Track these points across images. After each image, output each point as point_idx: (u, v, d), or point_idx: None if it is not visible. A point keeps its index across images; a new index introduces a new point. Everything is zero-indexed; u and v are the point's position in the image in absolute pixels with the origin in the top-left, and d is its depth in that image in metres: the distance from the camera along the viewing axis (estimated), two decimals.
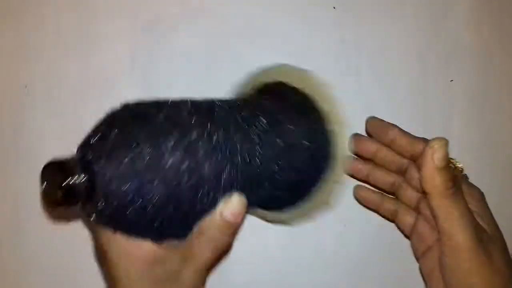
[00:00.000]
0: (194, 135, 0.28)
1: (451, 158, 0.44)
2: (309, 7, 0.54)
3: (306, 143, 0.38)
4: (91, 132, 0.28)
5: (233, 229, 0.36)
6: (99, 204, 0.26)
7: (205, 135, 0.28)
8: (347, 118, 0.49)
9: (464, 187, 0.42)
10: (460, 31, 0.55)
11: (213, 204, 0.32)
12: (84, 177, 0.26)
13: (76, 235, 0.52)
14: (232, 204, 0.35)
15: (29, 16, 0.54)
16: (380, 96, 0.54)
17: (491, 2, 0.55)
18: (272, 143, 0.34)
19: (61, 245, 0.52)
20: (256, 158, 0.32)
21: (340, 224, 0.52)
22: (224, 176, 0.30)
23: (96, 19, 0.54)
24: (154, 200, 0.27)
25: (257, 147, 0.33)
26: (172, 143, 0.27)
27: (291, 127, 0.36)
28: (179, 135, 0.27)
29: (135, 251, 0.34)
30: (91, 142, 0.27)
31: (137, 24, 0.54)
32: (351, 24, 0.54)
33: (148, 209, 0.27)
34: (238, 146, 0.31)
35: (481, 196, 0.44)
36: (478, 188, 0.45)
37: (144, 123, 0.27)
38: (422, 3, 0.55)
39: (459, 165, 0.45)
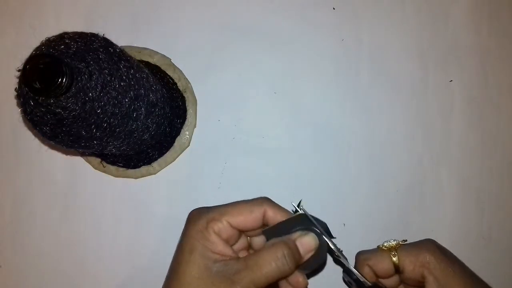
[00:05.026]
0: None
1: (381, 244, 0.43)
2: (309, 7, 0.54)
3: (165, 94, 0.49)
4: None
5: (297, 259, 0.38)
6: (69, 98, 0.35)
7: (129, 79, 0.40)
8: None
9: (412, 259, 0.41)
10: (460, 31, 0.55)
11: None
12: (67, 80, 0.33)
13: (75, 235, 0.52)
14: (308, 238, 0.39)
15: (29, 16, 0.54)
16: (380, 96, 0.54)
17: (491, 2, 0.55)
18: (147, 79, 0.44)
19: (60, 245, 0.52)
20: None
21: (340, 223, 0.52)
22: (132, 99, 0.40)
23: (95, 19, 0.54)
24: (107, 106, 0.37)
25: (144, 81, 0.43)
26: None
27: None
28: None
29: (207, 243, 0.38)
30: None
31: (137, 24, 0.54)
32: (351, 24, 0.54)
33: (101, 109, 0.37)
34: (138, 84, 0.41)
35: (430, 253, 0.41)
36: (425, 243, 0.42)
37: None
38: (422, 4, 0.55)
39: (388, 244, 0.43)
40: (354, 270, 0.41)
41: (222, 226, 0.39)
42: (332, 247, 0.40)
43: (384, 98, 0.54)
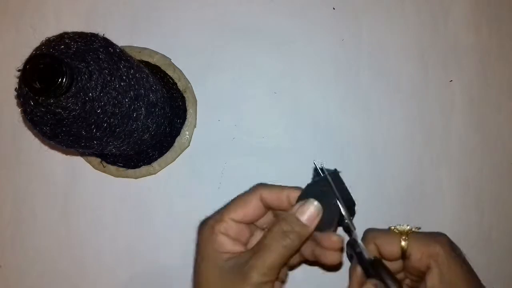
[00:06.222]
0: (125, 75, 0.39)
1: (394, 226, 0.42)
2: (309, 7, 0.54)
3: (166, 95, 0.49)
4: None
5: (302, 231, 0.38)
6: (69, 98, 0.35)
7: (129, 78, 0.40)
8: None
9: (422, 248, 0.40)
10: (460, 31, 0.55)
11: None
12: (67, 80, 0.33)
13: (75, 235, 0.52)
14: (306, 206, 0.38)
15: (29, 16, 0.54)
16: (380, 96, 0.54)
17: (491, 2, 0.55)
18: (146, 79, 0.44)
19: (60, 245, 0.52)
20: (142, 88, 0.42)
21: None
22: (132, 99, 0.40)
23: (95, 19, 0.54)
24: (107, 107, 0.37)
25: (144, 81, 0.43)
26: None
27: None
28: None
29: (215, 246, 0.38)
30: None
31: (137, 24, 0.54)
32: (351, 24, 0.54)
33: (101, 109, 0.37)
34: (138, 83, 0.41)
35: (441, 246, 0.40)
36: (438, 236, 0.41)
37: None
38: (422, 4, 0.55)
39: (401, 228, 0.42)
40: (359, 241, 0.40)
41: (227, 225, 0.39)
42: (343, 212, 0.40)
43: (384, 98, 0.54)
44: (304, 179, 0.52)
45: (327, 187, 0.40)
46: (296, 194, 0.40)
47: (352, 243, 0.41)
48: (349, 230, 0.41)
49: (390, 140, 0.54)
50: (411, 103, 0.54)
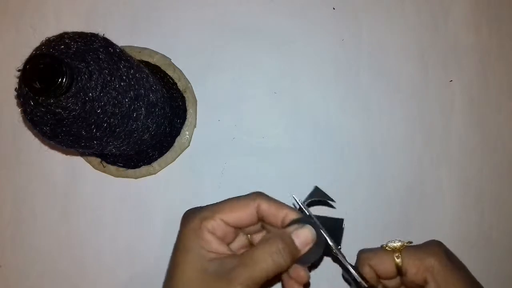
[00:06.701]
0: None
1: (385, 244, 0.42)
2: (309, 7, 0.54)
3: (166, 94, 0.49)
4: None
5: (293, 252, 0.37)
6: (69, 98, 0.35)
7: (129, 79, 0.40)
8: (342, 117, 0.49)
9: (416, 262, 0.40)
10: (460, 31, 0.55)
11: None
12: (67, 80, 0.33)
13: (75, 235, 0.52)
14: (304, 231, 0.38)
15: (29, 16, 0.54)
16: (380, 96, 0.54)
17: (491, 3, 0.55)
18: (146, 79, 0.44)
19: (60, 245, 0.52)
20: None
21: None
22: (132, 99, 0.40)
23: (95, 19, 0.54)
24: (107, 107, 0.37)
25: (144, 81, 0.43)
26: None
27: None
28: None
29: (201, 242, 0.37)
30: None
31: (137, 24, 0.54)
32: (351, 24, 0.54)
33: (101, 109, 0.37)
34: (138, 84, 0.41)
35: (435, 257, 0.40)
36: (431, 247, 0.41)
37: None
38: (422, 4, 0.55)
39: (392, 245, 0.42)
40: (351, 269, 0.40)
41: (216, 224, 0.38)
42: (330, 243, 0.40)
43: (384, 98, 0.54)
44: (304, 179, 0.53)
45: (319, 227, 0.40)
46: (293, 217, 0.39)
47: (347, 270, 0.41)
48: (338, 260, 0.41)
49: (390, 140, 0.54)
50: (411, 103, 0.54)
